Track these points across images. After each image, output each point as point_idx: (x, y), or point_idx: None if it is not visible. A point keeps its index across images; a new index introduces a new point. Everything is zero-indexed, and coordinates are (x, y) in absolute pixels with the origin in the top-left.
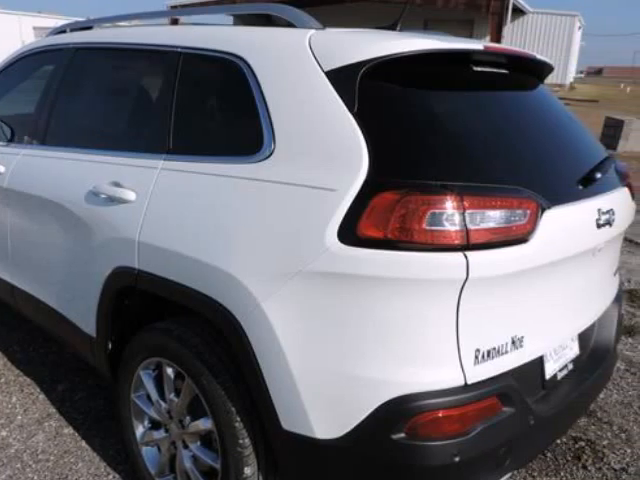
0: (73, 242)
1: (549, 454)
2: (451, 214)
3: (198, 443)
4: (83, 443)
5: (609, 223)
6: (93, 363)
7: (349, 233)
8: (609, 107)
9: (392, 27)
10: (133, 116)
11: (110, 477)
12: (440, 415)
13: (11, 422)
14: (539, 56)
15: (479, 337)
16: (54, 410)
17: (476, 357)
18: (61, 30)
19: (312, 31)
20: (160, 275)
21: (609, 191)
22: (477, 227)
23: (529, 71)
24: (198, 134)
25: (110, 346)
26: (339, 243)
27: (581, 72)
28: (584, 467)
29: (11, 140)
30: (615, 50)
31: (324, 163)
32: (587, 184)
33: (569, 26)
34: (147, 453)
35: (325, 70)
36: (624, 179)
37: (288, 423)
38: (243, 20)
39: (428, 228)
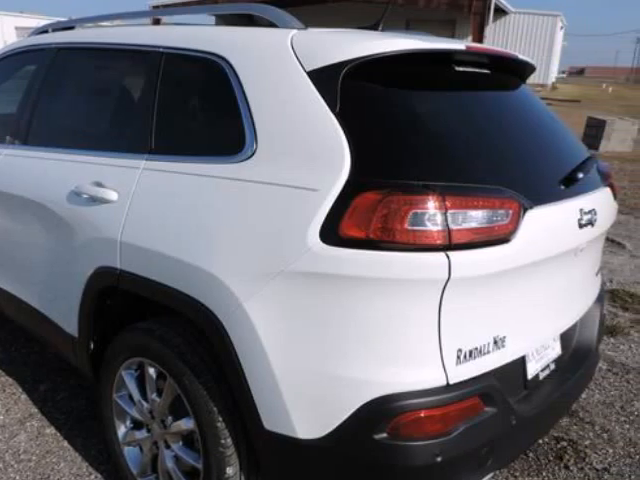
0: (55, 242)
1: (531, 454)
2: (433, 214)
3: (180, 443)
4: (65, 443)
5: (591, 223)
6: (75, 363)
7: (331, 233)
8: (591, 107)
9: (374, 27)
10: (115, 116)
11: (92, 477)
12: (422, 415)
13: None
14: (521, 56)
15: (461, 337)
16: (36, 410)
17: (458, 357)
18: (43, 30)
19: (294, 31)
20: (142, 275)
21: (591, 191)
22: (459, 227)
23: (511, 71)
24: (180, 134)
25: (92, 346)
26: (321, 243)
27: (563, 72)
28: (566, 467)
29: None
30: (597, 50)
31: (306, 163)
32: (569, 184)
33: (551, 26)
34: (129, 453)
35: (307, 70)
36: (606, 179)
37: (270, 423)
38: (225, 20)
39: (410, 228)
